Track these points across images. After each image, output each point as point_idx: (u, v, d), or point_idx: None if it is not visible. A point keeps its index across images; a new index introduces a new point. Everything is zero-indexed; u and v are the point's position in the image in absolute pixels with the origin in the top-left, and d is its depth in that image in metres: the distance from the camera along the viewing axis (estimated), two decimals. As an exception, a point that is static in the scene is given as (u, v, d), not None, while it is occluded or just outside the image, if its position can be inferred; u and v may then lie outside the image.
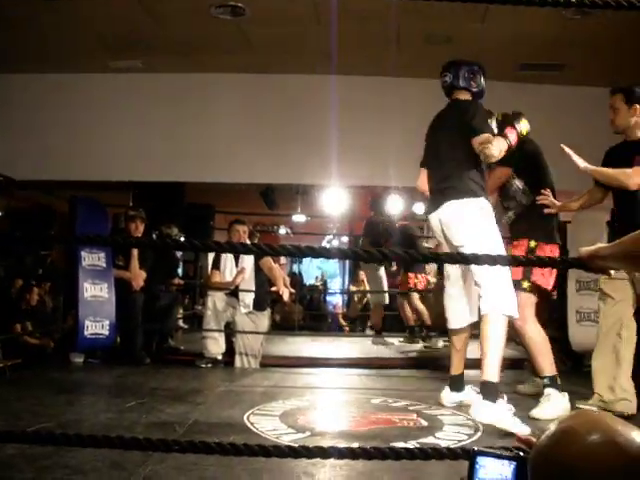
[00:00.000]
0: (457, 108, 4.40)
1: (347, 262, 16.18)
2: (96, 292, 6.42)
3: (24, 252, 9.62)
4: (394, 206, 9.44)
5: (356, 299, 13.09)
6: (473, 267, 4.03)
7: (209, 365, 6.41)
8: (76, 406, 4.30)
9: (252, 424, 3.75)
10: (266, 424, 3.76)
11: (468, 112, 4.23)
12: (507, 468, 1.16)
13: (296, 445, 2.05)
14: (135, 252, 6.71)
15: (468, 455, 1.19)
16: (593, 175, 4.32)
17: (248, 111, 7.50)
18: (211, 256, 7.00)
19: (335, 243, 15.98)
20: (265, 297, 6.78)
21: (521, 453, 1.18)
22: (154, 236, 7.57)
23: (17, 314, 7.04)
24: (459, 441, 3.47)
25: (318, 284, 16.79)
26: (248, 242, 6.79)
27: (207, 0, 5.80)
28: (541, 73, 7.20)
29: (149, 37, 6.59)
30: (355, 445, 1.79)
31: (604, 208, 4.74)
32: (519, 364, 6.55)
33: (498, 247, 4.08)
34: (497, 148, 3.98)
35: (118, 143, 7.51)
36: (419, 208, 10.07)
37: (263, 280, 6.67)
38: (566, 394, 4.29)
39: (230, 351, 6.53)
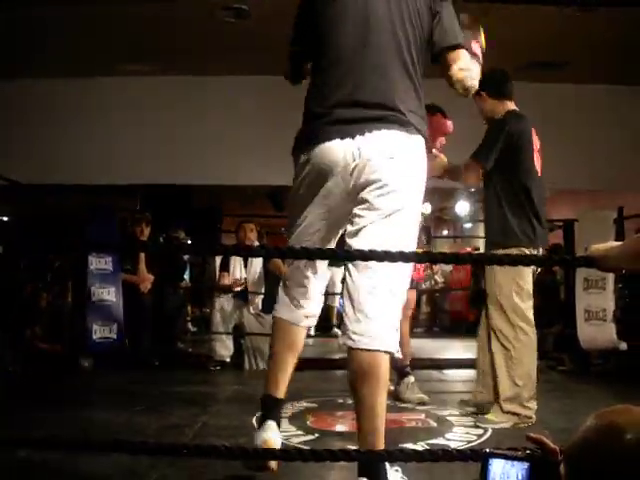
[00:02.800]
0: None
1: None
2: (104, 296, 6.45)
3: (33, 257, 9.64)
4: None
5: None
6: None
7: (218, 368, 6.42)
8: (86, 410, 4.31)
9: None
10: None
11: None
12: (520, 469, 1.16)
13: (305, 448, 2.05)
14: (142, 255, 6.72)
15: (479, 457, 1.19)
16: None
17: (255, 113, 7.48)
18: (219, 258, 7.01)
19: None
20: (274, 299, 6.77)
21: (528, 452, 1.19)
22: (161, 239, 7.59)
23: (26, 319, 7.06)
24: (469, 442, 3.46)
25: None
26: (256, 242, 6.80)
27: (211, 3, 5.81)
28: (544, 71, 7.17)
29: (155, 41, 6.60)
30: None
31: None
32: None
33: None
34: (477, 78, 2.62)
35: (125, 146, 7.52)
36: (426, 208, 10.06)
37: (272, 282, 6.67)
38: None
39: (239, 353, 6.53)
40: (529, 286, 4.00)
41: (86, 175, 7.55)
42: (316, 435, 3.61)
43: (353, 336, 2.35)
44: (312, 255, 2.07)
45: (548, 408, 4.23)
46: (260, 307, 6.56)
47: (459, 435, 3.62)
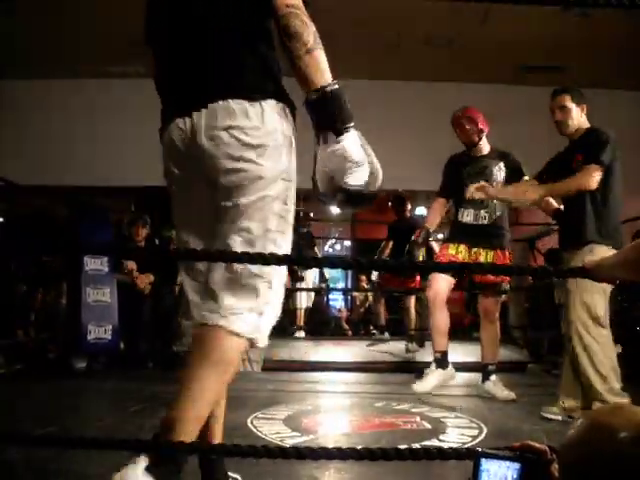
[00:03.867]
0: None
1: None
2: (99, 297, 6.44)
3: (26, 258, 9.64)
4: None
5: (358, 302, 13.10)
6: None
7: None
8: (80, 411, 4.30)
9: (256, 428, 3.75)
10: (270, 428, 3.75)
11: None
12: (512, 469, 1.16)
13: (301, 447, 2.04)
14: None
15: (471, 456, 1.19)
16: (548, 194, 4.41)
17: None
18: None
19: (338, 248, 15.97)
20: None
21: (520, 452, 1.19)
22: (156, 241, 7.58)
23: (19, 319, 7.06)
24: (463, 443, 3.46)
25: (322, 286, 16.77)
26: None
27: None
28: (542, 75, 7.20)
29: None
30: (359, 447, 1.79)
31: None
32: (521, 367, 6.57)
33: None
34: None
35: (119, 148, 7.52)
36: (421, 211, 10.10)
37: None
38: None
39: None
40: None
41: (80, 176, 7.55)
42: (311, 436, 3.61)
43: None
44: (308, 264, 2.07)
45: (541, 413, 4.24)
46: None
47: (453, 437, 3.62)
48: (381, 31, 6.36)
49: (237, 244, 2.00)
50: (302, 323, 10.14)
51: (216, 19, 2.06)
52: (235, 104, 1.98)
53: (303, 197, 11.38)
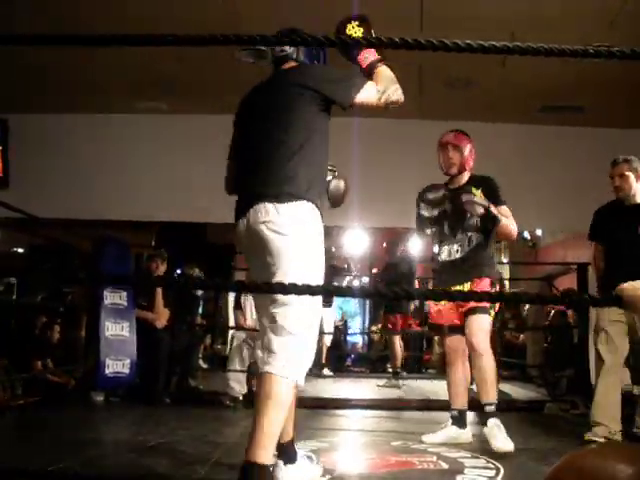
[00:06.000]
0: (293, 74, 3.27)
1: (367, 302, 16.18)
2: (117, 331, 6.47)
3: (47, 289, 9.71)
4: (414, 247, 9.48)
5: (376, 339, 13.14)
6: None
7: (231, 404, 6.47)
8: (98, 445, 4.31)
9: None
10: (286, 465, 3.74)
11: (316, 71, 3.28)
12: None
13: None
14: (159, 290, 6.77)
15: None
16: None
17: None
18: (232, 295, 7.05)
19: (355, 283, 15.96)
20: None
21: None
22: (176, 277, 7.63)
23: (38, 351, 7.09)
24: (480, 484, 3.45)
25: (339, 324, 16.77)
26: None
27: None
28: (561, 115, 7.24)
29: (174, 80, 6.70)
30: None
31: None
32: (539, 406, 6.53)
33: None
34: (394, 86, 3.18)
35: (141, 183, 7.60)
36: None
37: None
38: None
39: (251, 392, 6.54)
40: None
41: (102, 210, 7.63)
42: (327, 476, 3.60)
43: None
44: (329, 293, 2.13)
45: (562, 451, 4.21)
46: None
47: (470, 477, 3.60)
48: (401, 71, 6.41)
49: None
50: (325, 361, 10.25)
51: (280, 141, 3.07)
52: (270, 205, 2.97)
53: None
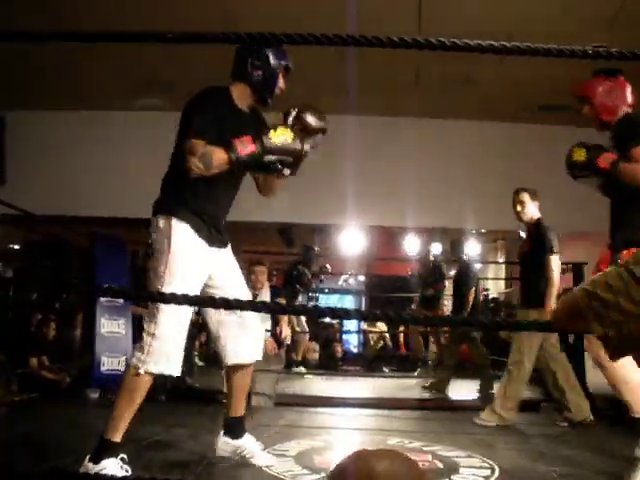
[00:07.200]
0: None
1: (363, 301, 16.19)
2: (113, 328, 6.46)
3: (42, 286, 9.69)
4: (411, 246, 9.48)
5: (372, 341, 13.11)
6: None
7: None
8: (93, 442, 4.29)
9: (268, 467, 3.72)
10: (281, 465, 3.74)
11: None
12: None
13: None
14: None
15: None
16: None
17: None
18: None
19: (352, 282, 15.94)
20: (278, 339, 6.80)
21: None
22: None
23: (34, 348, 7.08)
24: (475, 484, 3.45)
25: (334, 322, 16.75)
26: (266, 284, 6.78)
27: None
28: (560, 114, 7.23)
29: (170, 78, 6.68)
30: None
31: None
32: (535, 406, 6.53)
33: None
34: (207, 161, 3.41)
35: (137, 180, 7.58)
36: (436, 248, 10.10)
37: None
38: None
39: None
40: None
41: (98, 207, 7.61)
42: (322, 475, 3.59)
43: None
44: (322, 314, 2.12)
45: (555, 453, 4.22)
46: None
47: (465, 476, 3.60)
48: (399, 69, 6.41)
49: None
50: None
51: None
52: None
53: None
